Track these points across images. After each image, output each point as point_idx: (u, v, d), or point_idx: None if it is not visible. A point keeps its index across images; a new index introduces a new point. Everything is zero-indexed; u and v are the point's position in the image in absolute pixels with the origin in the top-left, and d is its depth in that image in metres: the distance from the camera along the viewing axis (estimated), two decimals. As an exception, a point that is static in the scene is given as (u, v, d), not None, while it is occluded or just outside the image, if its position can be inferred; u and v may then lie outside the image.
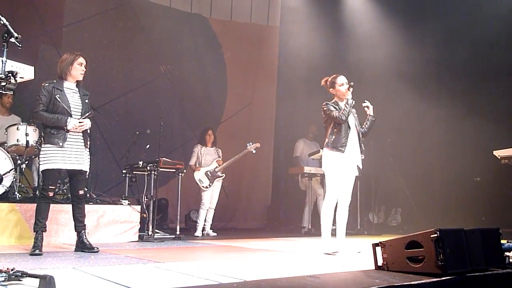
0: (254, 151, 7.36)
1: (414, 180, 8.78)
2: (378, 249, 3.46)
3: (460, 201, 8.12)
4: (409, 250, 3.22)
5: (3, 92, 2.55)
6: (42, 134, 4.88)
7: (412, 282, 2.87)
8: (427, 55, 8.87)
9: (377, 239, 3.60)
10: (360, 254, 4.71)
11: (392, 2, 9.40)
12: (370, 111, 5.17)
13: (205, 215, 7.51)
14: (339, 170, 4.79)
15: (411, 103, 8.78)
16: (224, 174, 7.60)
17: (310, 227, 8.00)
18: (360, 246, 5.15)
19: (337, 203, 4.87)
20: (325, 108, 4.92)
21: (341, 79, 5.05)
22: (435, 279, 2.94)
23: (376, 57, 9.24)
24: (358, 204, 8.58)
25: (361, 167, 4.98)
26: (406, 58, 8.77)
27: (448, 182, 8.42)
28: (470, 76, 8.45)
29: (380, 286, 2.70)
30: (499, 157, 6.37)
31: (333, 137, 4.83)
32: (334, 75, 5.15)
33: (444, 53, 8.86)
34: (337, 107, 4.90)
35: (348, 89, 4.96)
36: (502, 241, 3.46)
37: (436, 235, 3.04)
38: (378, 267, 3.43)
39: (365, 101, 5.17)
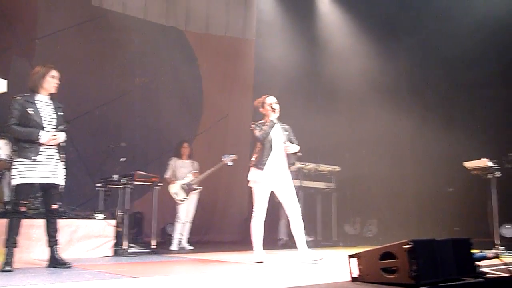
0: (230, 163, 7.35)
1: (389, 191, 8.89)
2: (354, 260, 3.48)
3: (434, 212, 8.24)
4: (383, 261, 3.26)
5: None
6: (15, 148, 4.79)
7: (386, 293, 2.90)
8: (400, 68, 9.07)
9: (353, 251, 3.63)
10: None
11: (365, 16, 9.58)
12: (289, 150, 5.29)
13: (181, 229, 7.46)
14: (262, 187, 5.12)
15: (385, 115, 8.92)
16: (200, 187, 7.57)
17: (287, 239, 8.00)
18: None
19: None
20: (251, 128, 5.24)
21: (269, 100, 5.30)
22: (408, 290, 2.98)
23: (351, 69, 9.39)
24: (333, 215, 8.65)
25: (289, 180, 5.23)
26: (380, 70, 8.94)
27: (422, 192, 8.55)
28: (443, 88, 8.64)
29: (355, 298, 2.72)
30: (469, 169, 6.52)
31: (256, 156, 5.21)
32: (265, 96, 5.39)
33: (417, 66, 9.06)
34: (262, 126, 5.18)
35: (272, 110, 5.21)
36: (474, 251, 3.53)
37: (409, 246, 3.08)
38: (353, 279, 3.45)
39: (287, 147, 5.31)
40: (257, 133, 5.14)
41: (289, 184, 5.20)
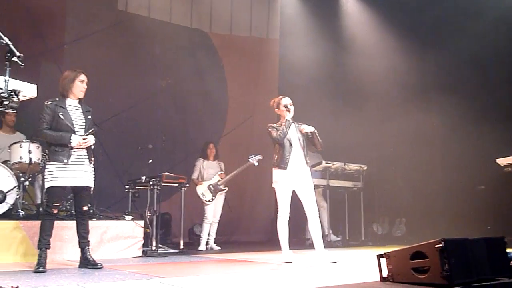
0: (256, 164, 7.35)
1: (418, 190, 8.74)
2: (383, 260, 3.44)
3: (464, 210, 8.07)
4: (414, 261, 3.21)
5: (6, 111, 2.56)
6: (46, 152, 4.90)
7: (418, 293, 2.85)
8: (428, 65, 8.90)
9: (381, 250, 3.58)
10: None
11: (391, 13, 9.45)
12: (306, 129, 5.32)
13: (209, 229, 7.50)
14: (284, 187, 5.16)
15: (413, 113, 8.78)
16: (226, 188, 7.59)
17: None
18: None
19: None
20: (268, 130, 5.31)
21: (284, 101, 5.38)
22: (440, 290, 2.93)
23: (377, 67, 9.28)
24: (362, 215, 8.56)
25: (309, 179, 5.26)
26: (406, 68, 8.81)
27: (452, 191, 8.39)
28: (472, 85, 8.46)
29: (386, 298, 2.69)
30: (502, 165, 6.37)
31: (276, 156, 5.25)
32: (280, 96, 5.48)
33: (445, 62, 8.88)
34: (279, 127, 5.24)
35: (287, 110, 5.26)
36: (508, 250, 3.44)
37: (441, 245, 3.02)
38: (383, 279, 3.41)
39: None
40: (274, 134, 5.21)
41: (308, 184, 5.23)
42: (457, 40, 8.49)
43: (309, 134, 5.33)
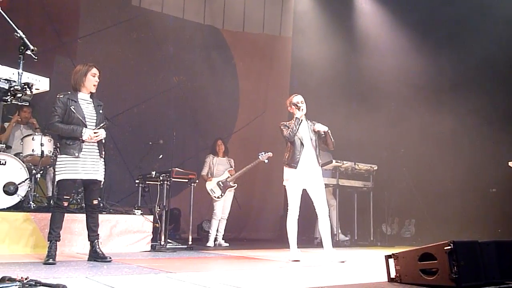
0: (266, 161, 7.35)
1: (428, 191, 8.69)
2: (391, 261, 3.43)
3: (475, 213, 8.01)
4: (422, 262, 3.19)
5: (20, 103, 2.59)
6: (58, 145, 4.94)
7: (426, 295, 2.84)
8: (441, 65, 8.82)
9: (390, 251, 3.57)
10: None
11: (405, 12, 9.39)
12: (319, 128, 5.30)
13: (217, 225, 7.52)
14: (295, 185, 5.15)
15: (424, 114, 8.73)
16: (236, 184, 7.60)
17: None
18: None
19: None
20: (280, 128, 5.30)
21: (295, 99, 5.35)
22: (449, 292, 2.91)
23: (390, 66, 9.23)
24: (371, 215, 8.53)
25: (320, 178, 5.24)
26: (420, 68, 8.74)
27: (463, 193, 8.33)
28: (486, 86, 8.38)
29: (393, 299, 2.68)
30: (514, 168, 6.29)
31: (287, 154, 5.25)
32: (293, 95, 5.45)
33: (459, 63, 8.80)
34: (290, 126, 5.21)
35: (297, 108, 5.23)
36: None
37: (450, 247, 3.00)
38: (390, 279, 3.39)
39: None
40: (285, 132, 5.20)
41: (319, 183, 5.21)
42: (471, 41, 8.41)
43: (322, 133, 5.31)
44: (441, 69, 8.88)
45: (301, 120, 5.23)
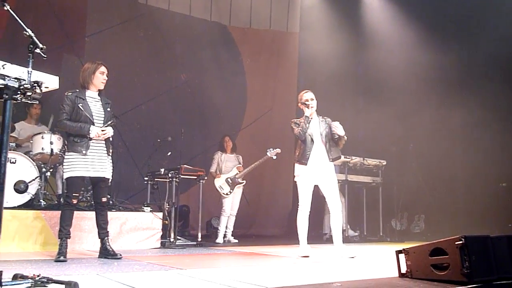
0: (274, 157, 7.35)
1: (437, 186, 8.65)
2: (402, 256, 3.41)
3: (485, 207, 7.95)
4: (433, 258, 3.17)
5: (29, 102, 2.60)
6: (65, 142, 4.96)
7: (437, 290, 2.82)
8: (450, 59, 8.75)
9: (400, 246, 3.55)
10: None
11: (413, 6, 9.33)
12: (337, 131, 5.25)
13: (226, 222, 7.53)
14: (305, 182, 5.14)
15: (434, 108, 8.68)
16: (244, 181, 7.61)
17: (331, 234, 7.93)
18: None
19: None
20: (291, 126, 5.29)
21: (305, 96, 5.31)
22: (460, 287, 2.89)
23: (398, 61, 9.17)
24: (380, 210, 8.50)
25: (332, 174, 5.23)
26: (428, 62, 8.68)
27: (473, 187, 8.27)
28: (495, 79, 8.31)
29: (404, 294, 2.66)
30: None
31: (298, 151, 5.24)
32: (303, 91, 5.41)
33: (467, 57, 8.74)
34: (300, 123, 5.20)
35: (306, 106, 5.20)
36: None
37: (461, 242, 2.98)
38: (401, 275, 3.38)
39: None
40: (296, 131, 5.20)
41: (331, 178, 5.20)
42: (479, 35, 8.34)
43: (336, 136, 5.27)
44: (449, 64, 8.81)
45: (311, 118, 5.21)
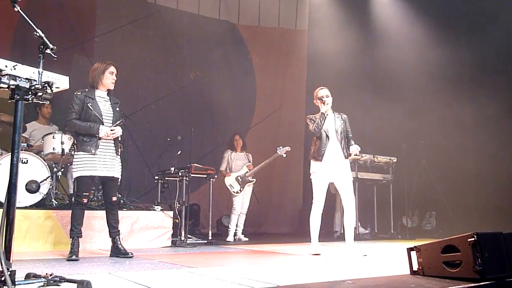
0: (284, 155, 7.34)
1: (449, 183, 8.58)
2: (413, 253, 3.40)
3: (497, 204, 7.89)
4: (445, 255, 3.15)
5: (41, 102, 2.62)
6: (75, 142, 4.99)
7: (449, 287, 2.80)
8: (460, 54, 8.67)
9: (411, 244, 3.54)
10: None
11: (423, 2, 9.26)
12: (353, 151, 5.29)
13: (237, 220, 7.54)
14: (320, 178, 5.12)
15: (444, 104, 8.62)
16: (254, 179, 7.61)
17: (342, 231, 7.92)
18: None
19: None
20: (307, 122, 5.29)
21: (320, 92, 5.31)
22: (473, 284, 2.87)
23: (408, 58, 9.12)
24: (391, 208, 8.46)
25: (347, 171, 5.22)
26: (438, 58, 8.62)
27: (484, 184, 8.20)
28: (506, 76, 8.23)
29: (416, 291, 2.65)
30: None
31: (313, 148, 5.24)
32: (318, 88, 5.39)
33: (478, 52, 8.65)
34: (316, 119, 5.19)
35: (322, 102, 5.19)
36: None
37: (473, 239, 2.96)
38: (413, 272, 3.37)
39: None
40: (311, 127, 5.19)
41: (346, 176, 5.18)
42: (490, 30, 8.26)
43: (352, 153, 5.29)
44: (460, 60, 8.73)
45: (327, 114, 5.19)
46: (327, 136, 5.16)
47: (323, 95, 5.23)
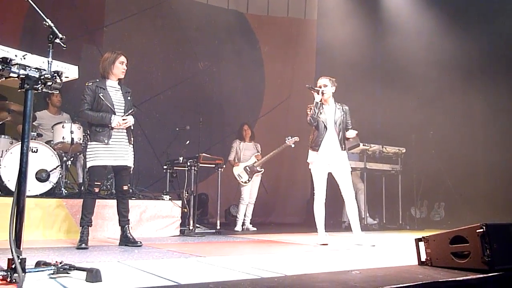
0: (293, 145, 7.33)
1: (458, 173, 8.53)
2: (421, 244, 3.39)
3: (507, 195, 7.84)
4: (453, 245, 3.14)
5: (50, 92, 2.63)
6: (88, 132, 5.02)
7: (457, 278, 2.79)
8: (470, 45, 8.58)
9: (419, 234, 3.53)
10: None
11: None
12: (349, 135, 5.33)
13: (245, 210, 7.57)
14: (318, 168, 5.14)
15: (454, 95, 8.55)
16: (263, 169, 7.61)
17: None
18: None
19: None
20: (307, 111, 5.25)
21: (319, 81, 5.29)
22: (481, 275, 2.86)
23: (418, 48, 9.04)
24: (399, 198, 8.44)
25: (345, 162, 5.17)
26: (448, 49, 8.53)
27: (494, 174, 8.14)
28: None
29: (424, 282, 2.64)
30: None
31: (312, 137, 5.25)
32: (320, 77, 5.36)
33: (488, 44, 8.55)
34: (314, 109, 5.15)
35: (316, 91, 5.17)
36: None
37: (482, 229, 2.94)
38: (421, 263, 3.36)
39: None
40: (308, 117, 5.17)
41: (343, 166, 5.15)
42: (500, 21, 8.15)
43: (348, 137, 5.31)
44: (470, 50, 8.63)
45: (320, 103, 5.15)
46: (325, 126, 5.15)
47: (321, 84, 5.22)
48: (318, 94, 5.15)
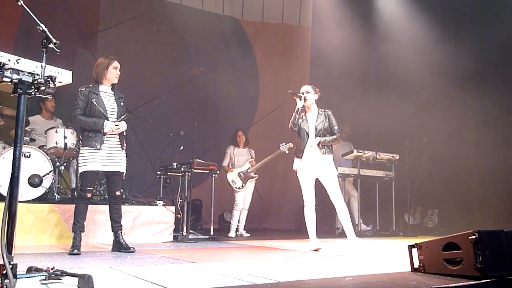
0: (287, 152, 7.33)
1: (451, 180, 8.55)
2: (414, 250, 3.39)
3: (499, 202, 7.86)
4: (446, 252, 3.15)
5: (43, 96, 2.62)
6: (80, 137, 5.00)
7: (450, 285, 2.80)
8: (464, 52, 8.63)
9: (413, 241, 3.54)
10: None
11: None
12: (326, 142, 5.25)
13: (239, 216, 7.55)
14: (303, 175, 5.21)
15: (447, 101, 8.59)
16: (257, 175, 7.61)
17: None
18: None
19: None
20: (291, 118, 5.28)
21: (302, 88, 5.36)
22: (473, 282, 2.86)
23: (412, 54, 9.08)
24: (393, 205, 8.45)
25: (329, 167, 5.16)
26: (442, 55, 8.58)
27: (487, 181, 8.17)
28: (509, 73, 8.19)
29: (417, 288, 2.65)
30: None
31: (296, 144, 5.32)
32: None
33: (481, 50, 8.60)
34: (295, 114, 5.22)
35: (300, 98, 5.24)
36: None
37: (475, 236, 2.95)
38: (414, 269, 3.36)
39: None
40: (290, 123, 5.24)
41: (328, 172, 5.16)
42: (494, 27, 8.22)
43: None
44: (463, 57, 8.68)
45: (302, 109, 5.21)
46: (307, 133, 5.20)
47: (303, 91, 5.28)
48: (300, 100, 5.20)
